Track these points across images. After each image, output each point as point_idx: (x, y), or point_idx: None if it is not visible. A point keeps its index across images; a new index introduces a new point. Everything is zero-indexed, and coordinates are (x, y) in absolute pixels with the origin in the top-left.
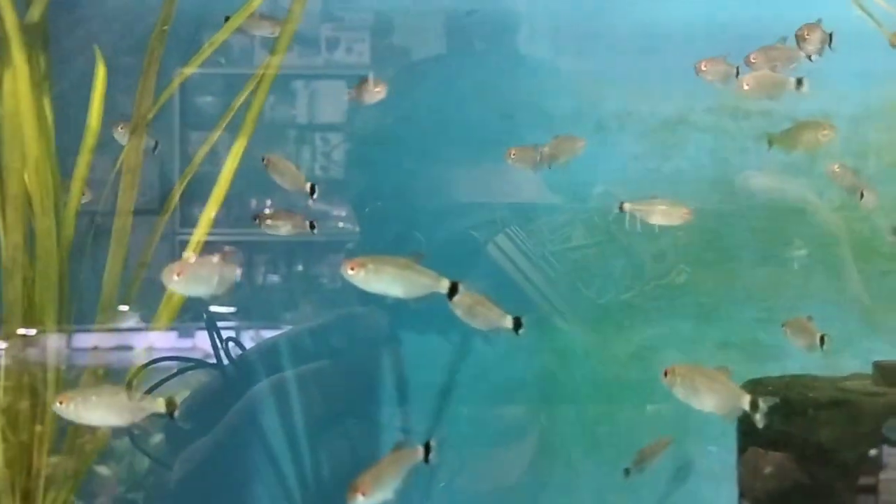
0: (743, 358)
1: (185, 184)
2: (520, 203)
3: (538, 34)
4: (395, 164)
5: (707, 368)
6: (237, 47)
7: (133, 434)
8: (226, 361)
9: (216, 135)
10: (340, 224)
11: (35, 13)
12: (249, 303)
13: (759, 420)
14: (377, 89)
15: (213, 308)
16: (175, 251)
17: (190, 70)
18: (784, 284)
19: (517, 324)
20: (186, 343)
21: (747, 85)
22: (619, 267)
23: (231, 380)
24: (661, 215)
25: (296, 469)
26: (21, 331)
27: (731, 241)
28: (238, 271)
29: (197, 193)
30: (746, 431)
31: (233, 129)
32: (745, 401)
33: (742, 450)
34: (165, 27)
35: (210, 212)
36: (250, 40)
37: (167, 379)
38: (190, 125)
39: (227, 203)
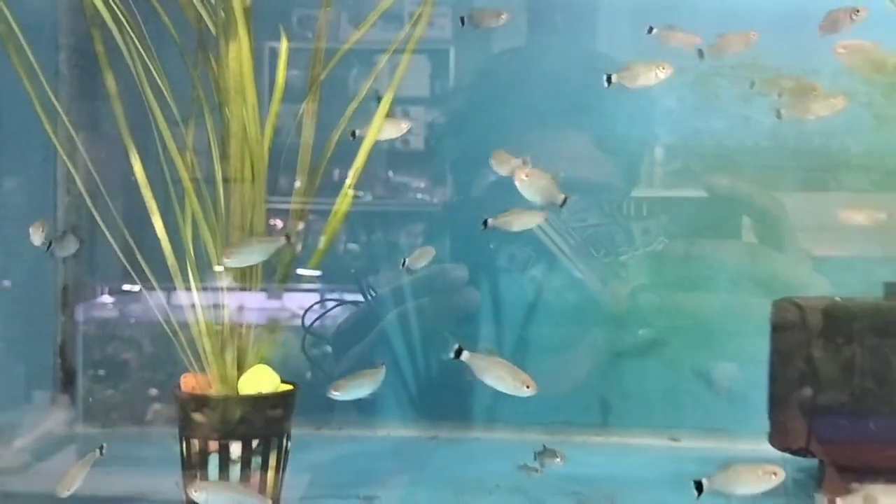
0: None
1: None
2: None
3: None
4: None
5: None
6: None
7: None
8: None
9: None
10: (419, 195)
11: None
12: (332, 267)
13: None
14: (502, 16)
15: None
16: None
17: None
18: (730, 251)
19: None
20: (275, 304)
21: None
22: (618, 238)
23: (371, 310)
24: (519, 223)
25: (412, 366)
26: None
27: (697, 222)
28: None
29: (285, 164)
30: None
31: (318, 101)
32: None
33: None
34: (328, 7)
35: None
36: (337, 15)
37: (329, 310)
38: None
39: (312, 173)
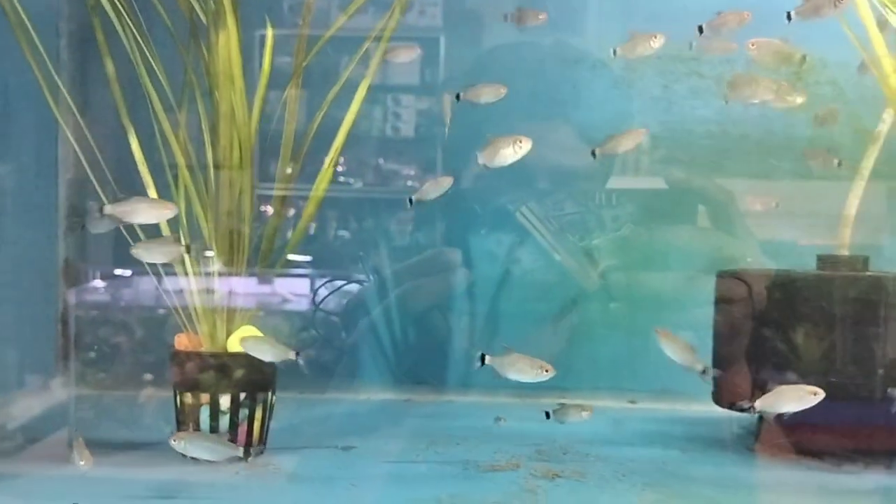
0: None
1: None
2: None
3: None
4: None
5: None
6: (315, 9)
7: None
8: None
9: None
10: (409, 182)
11: None
12: (323, 253)
13: None
14: (540, 17)
15: (290, 256)
16: (254, 204)
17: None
18: (687, 235)
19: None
20: (265, 289)
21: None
22: (592, 224)
23: (372, 289)
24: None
25: (390, 337)
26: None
27: (658, 210)
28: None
29: (274, 150)
30: None
31: (309, 88)
32: None
33: None
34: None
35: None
36: (327, 2)
37: (336, 290)
38: (268, 85)
39: (302, 160)
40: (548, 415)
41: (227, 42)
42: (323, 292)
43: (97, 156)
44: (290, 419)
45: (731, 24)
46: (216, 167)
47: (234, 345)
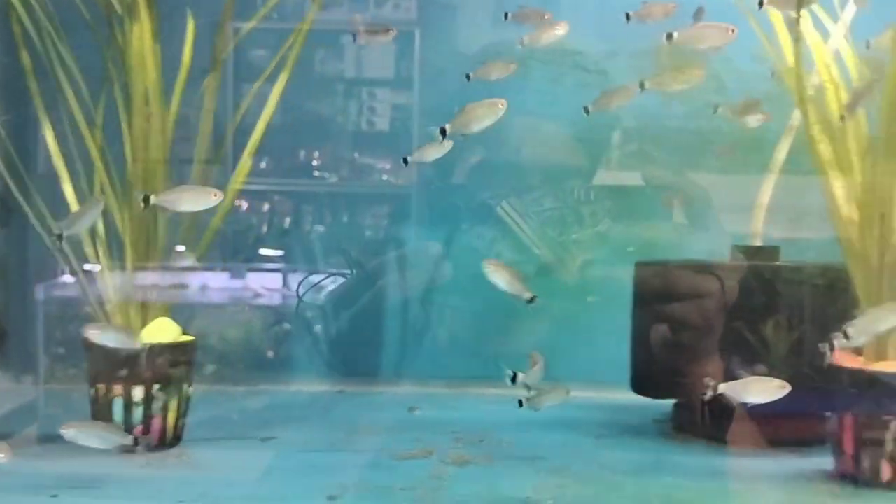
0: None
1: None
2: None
3: None
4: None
5: None
6: (290, 3)
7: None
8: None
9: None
10: (384, 177)
11: None
12: (297, 248)
13: None
14: (546, 16)
15: (263, 251)
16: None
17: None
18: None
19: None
20: (237, 283)
21: None
22: (570, 220)
23: (357, 281)
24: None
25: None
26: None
27: (636, 208)
28: None
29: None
30: None
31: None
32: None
33: None
34: None
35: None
36: None
37: (321, 281)
38: (243, 78)
39: (277, 155)
40: (520, 403)
41: (141, 34)
42: (306, 284)
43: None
44: (218, 411)
45: (655, 14)
46: (134, 155)
47: (147, 336)
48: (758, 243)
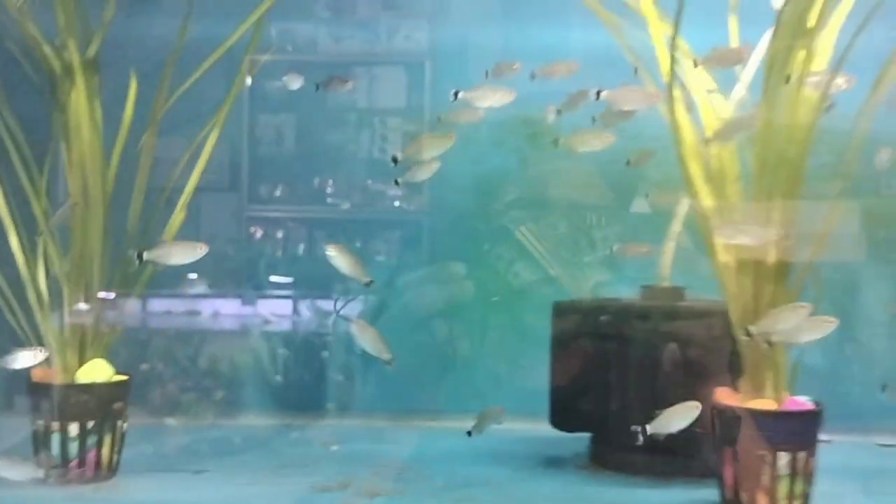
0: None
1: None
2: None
3: None
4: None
5: None
6: (302, 35)
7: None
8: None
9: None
10: (396, 203)
11: (91, 51)
12: (309, 273)
13: None
14: (515, 66)
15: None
16: (243, 226)
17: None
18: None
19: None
20: (248, 310)
21: None
22: (584, 243)
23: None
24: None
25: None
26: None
27: (644, 231)
28: None
29: (265, 173)
30: None
31: (298, 112)
32: None
33: None
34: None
35: None
36: (314, 28)
37: (345, 305)
38: (258, 108)
39: (291, 182)
40: (469, 433)
41: (77, 98)
42: (340, 303)
43: None
44: (157, 445)
45: (559, 72)
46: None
47: (83, 376)
48: (665, 284)
